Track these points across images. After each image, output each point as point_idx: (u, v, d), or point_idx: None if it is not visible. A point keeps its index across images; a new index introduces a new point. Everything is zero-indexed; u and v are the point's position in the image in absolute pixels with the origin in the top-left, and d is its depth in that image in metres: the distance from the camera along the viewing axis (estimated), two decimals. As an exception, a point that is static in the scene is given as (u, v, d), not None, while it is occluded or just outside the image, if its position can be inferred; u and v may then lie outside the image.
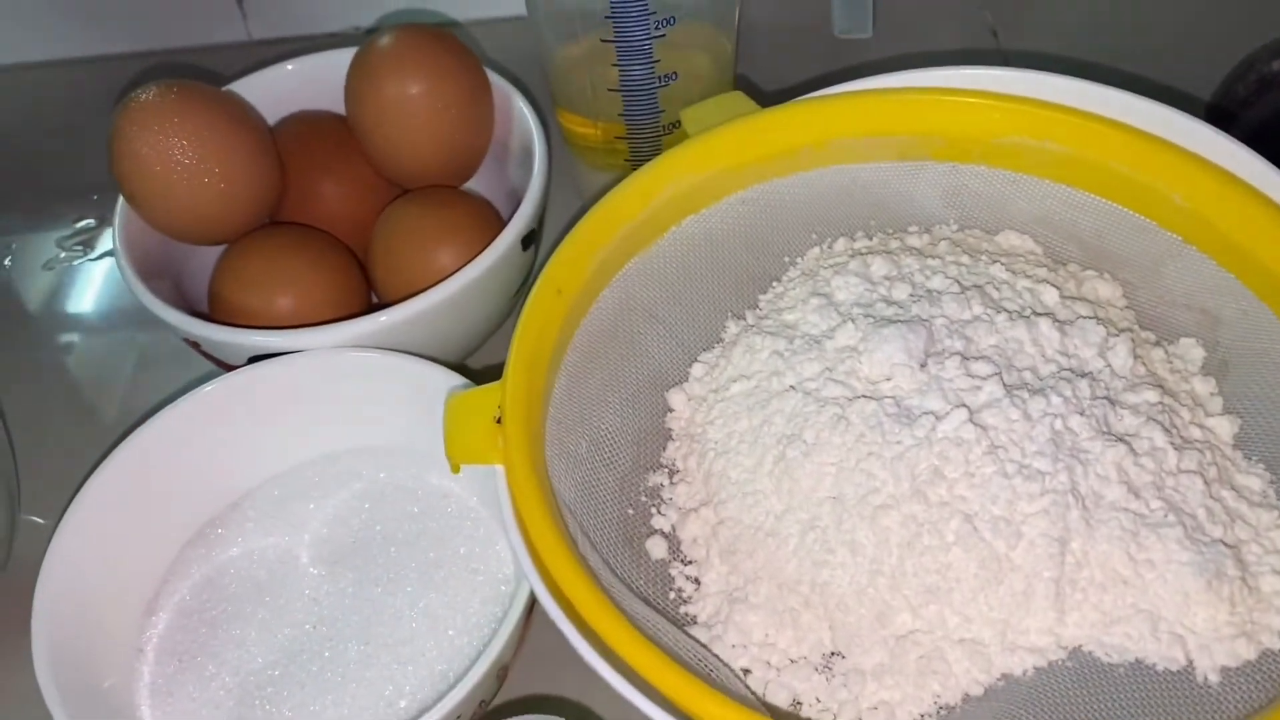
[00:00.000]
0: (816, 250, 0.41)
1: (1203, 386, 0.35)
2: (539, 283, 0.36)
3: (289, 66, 0.48)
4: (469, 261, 0.41)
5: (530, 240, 0.43)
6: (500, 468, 0.32)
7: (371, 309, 0.45)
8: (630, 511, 0.36)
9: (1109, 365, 0.34)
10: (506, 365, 0.34)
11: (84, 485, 0.37)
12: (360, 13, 0.63)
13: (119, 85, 0.60)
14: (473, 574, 0.38)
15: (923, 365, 0.34)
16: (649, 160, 0.40)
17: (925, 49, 0.54)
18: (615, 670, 0.27)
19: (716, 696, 0.26)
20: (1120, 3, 0.60)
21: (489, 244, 0.42)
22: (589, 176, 0.51)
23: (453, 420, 0.33)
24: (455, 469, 0.33)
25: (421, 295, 0.40)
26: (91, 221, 0.57)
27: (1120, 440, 0.32)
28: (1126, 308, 0.38)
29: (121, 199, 0.44)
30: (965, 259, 0.38)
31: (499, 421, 0.33)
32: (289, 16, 0.63)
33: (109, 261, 0.55)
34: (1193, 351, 0.36)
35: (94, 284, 0.54)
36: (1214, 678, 0.30)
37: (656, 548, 0.35)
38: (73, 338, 0.52)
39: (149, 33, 0.63)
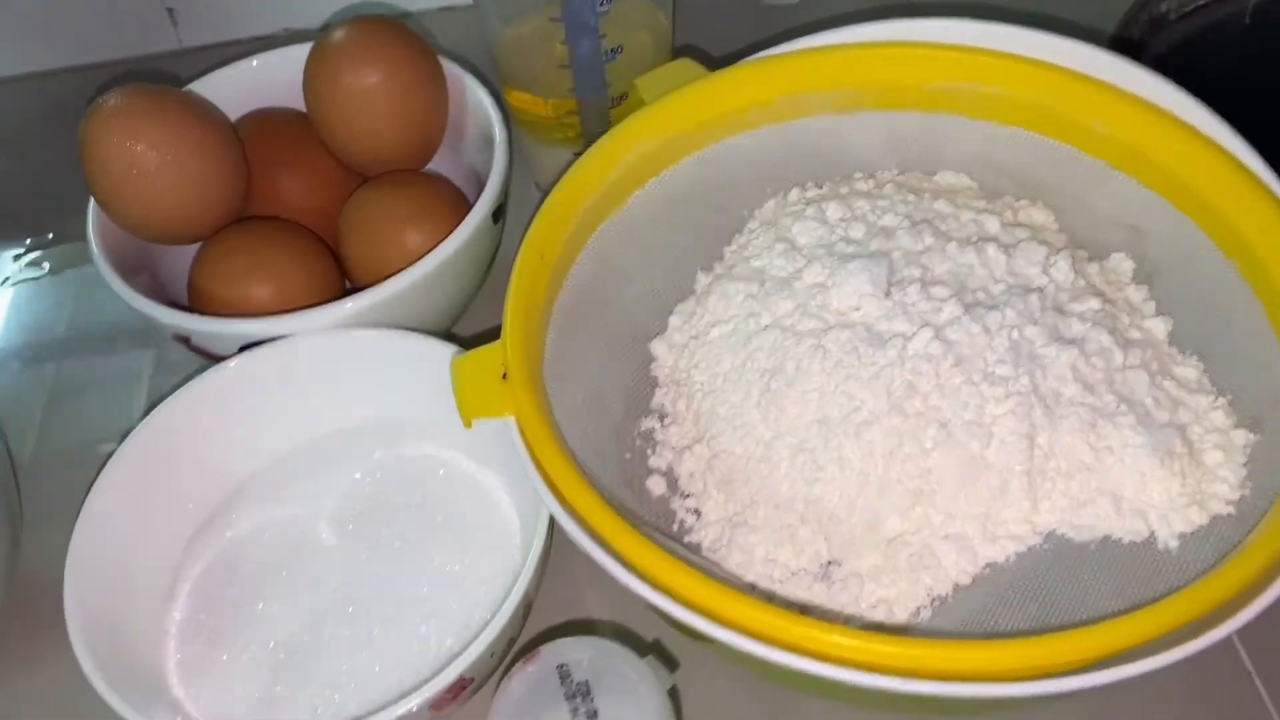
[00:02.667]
0: (772, 202, 0.43)
1: (1136, 294, 0.39)
2: (523, 248, 0.38)
3: (249, 64, 0.50)
4: (438, 241, 0.43)
5: (499, 214, 0.45)
6: (512, 419, 0.34)
7: (346, 294, 0.47)
8: (628, 456, 0.38)
9: (1053, 280, 0.38)
10: (504, 325, 0.36)
11: (95, 483, 0.38)
12: (289, 14, 0.64)
13: (55, 101, 0.60)
14: (478, 530, 0.40)
15: (887, 293, 0.37)
16: (600, 134, 0.42)
17: (848, 7, 0.57)
18: (645, 583, 0.29)
19: (740, 595, 0.29)
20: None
21: (456, 222, 0.44)
22: (539, 152, 0.53)
23: (461, 380, 0.35)
24: (468, 424, 0.35)
25: (406, 271, 0.41)
26: (49, 235, 0.57)
27: (1071, 344, 0.35)
28: (1060, 231, 0.42)
29: (93, 204, 0.45)
30: (911, 197, 0.41)
31: (505, 377, 0.35)
32: (219, 22, 0.64)
33: (70, 273, 0.55)
34: (1123, 264, 0.40)
35: (58, 298, 0.55)
36: (1173, 544, 0.33)
37: (656, 486, 0.38)
38: (47, 352, 0.52)
39: (83, 47, 0.63)
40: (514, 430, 0.34)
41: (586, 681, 0.28)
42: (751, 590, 0.35)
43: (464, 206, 0.45)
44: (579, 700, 0.28)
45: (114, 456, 0.39)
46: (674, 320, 0.41)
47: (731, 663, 0.35)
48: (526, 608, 0.35)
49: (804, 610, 0.34)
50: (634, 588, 0.29)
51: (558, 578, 0.38)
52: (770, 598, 0.34)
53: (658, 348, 0.41)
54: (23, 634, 0.42)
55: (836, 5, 0.58)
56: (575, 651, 0.28)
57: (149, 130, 0.42)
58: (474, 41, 0.49)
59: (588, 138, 0.50)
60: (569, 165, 0.40)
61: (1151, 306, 0.39)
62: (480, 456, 0.41)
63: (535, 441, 0.33)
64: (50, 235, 0.57)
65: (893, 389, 0.35)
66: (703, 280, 0.42)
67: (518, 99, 0.51)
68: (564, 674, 0.28)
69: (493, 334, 0.36)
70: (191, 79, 0.50)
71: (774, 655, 0.28)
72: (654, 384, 0.40)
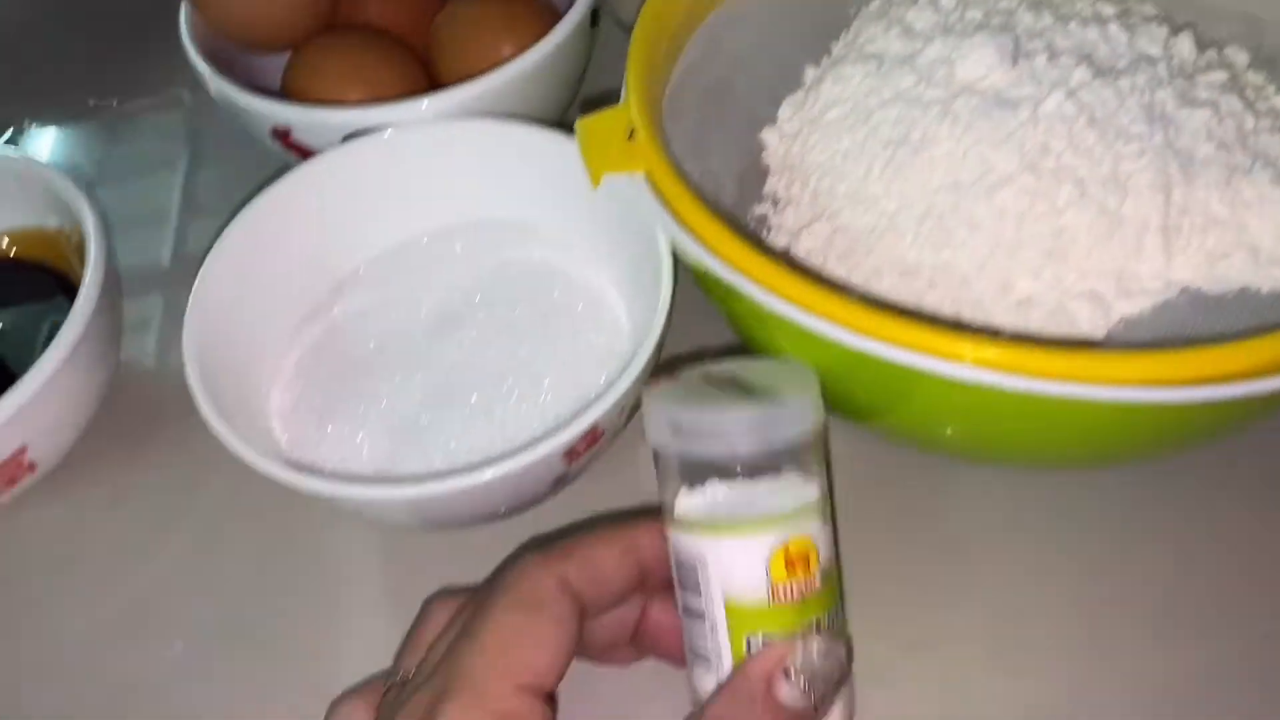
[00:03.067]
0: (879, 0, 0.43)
1: (1255, 77, 0.39)
2: (641, 16, 0.37)
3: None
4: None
5: (596, 17, 0.45)
6: (640, 174, 0.34)
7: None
8: (743, 238, 0.38)
9: (1176, 56, 0.37)
10: (627, 86, 0.35)
11: (203, 263, 0.38)
12: None
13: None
14: (588, 320, 0.39)
15: (1014, 63, 0.36)
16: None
17: None
18: (804, 311, 0.29)
19: (904, 311, 0.29)
20: None
21: (546, 35, 0.43)
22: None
23: (587, 138, 0.35)
24: (596, 182, 0.35)
25: (512, 63, 0.41)
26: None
27: (1204, 105, 0.35)
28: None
29: (185, 10, 0.44)
30: (1024, -13, 0.41)
31: (631, 136, 0.34)
32: None
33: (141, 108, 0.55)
34: (1238, 55, 0.40)
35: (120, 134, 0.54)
36: (1313, 291, 0.33)
37: (774, 264, 0.37)
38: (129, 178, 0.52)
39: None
40: (643, 186, 0.34)
41: (731, 370, 0.28)
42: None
43: (554, 20, 0.45)
44: (728, 385, 0.28)
45: (219, 240, 0.38)
46: (784, 111, 0.41)
47: (882, 422, 0.35)
48: (653, 368, 0.35)
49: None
50: (793, 316, 0.29)
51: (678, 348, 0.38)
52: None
53: (768, 137, 0.40)
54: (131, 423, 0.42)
55: None
56: (713, 365, 0.29)
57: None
58: None
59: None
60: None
61: (1272, 89, 0.38)
62: (586, 252, 0.41)
63: (669, 191, 0.33)
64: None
65: (1026, 149, 0.34)
66: (811, 73, 0.41)
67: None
68: (707, 376, 0.28)
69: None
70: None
71: (942, 367, 0.27)
72: (765, 172, 0.40)
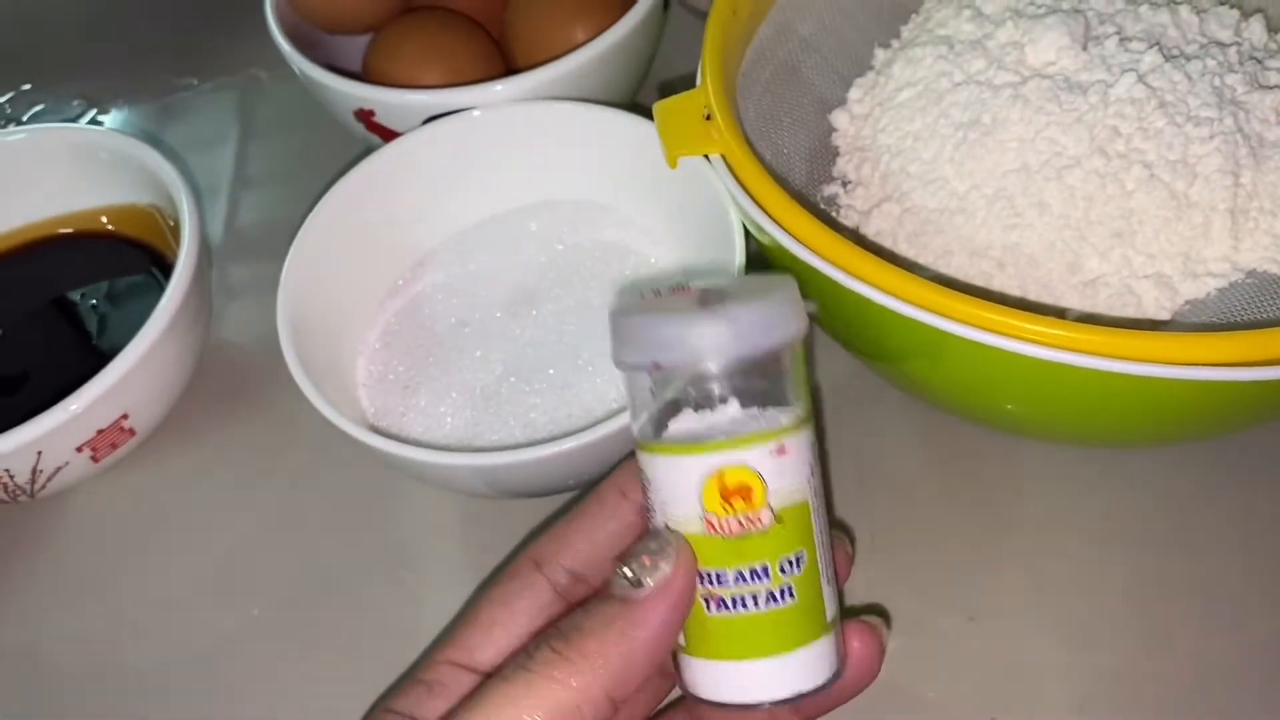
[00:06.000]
0: (948, -17, 0.43)
1: (1325, 62, 0.39)
2: (716, 5, 0.38)
3: None
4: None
5: (666, 2, 0.46)
6: (717, 156, 0.35)
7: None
8: (813, 218, 0.39)
9: (1248, 40, 0.38)
10: (703, 69, 0.36)
11: (295, 238, 0.39)
12: None
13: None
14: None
15: (1084, 47, 0.37)
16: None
17: None
18: (880, 291, 0.30)
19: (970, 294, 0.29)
20: None
21: (619, 19, 0.44)
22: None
23: (665, 120, 0.36)
24: (673, 164, 0.36)
25: (589, 45, 0.42)
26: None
27: (1274, 89, 0.35)
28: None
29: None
30: (1094, -28, 0.41)
31: (708, 118, 0.35)
32: None
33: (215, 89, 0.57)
34: (1310, 39, 0.40)
35: (200, 112, 0.56)
36: (1384, 274, 0.33)
37: (843, 244, 0.38)
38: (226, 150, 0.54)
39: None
40: (720, 167, 0.35)
41: (710, 285, 0.27)
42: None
43: (627, 4, 0.45)
44: (700, 299, 0.26)
45: (310, 215, 0.40)
46: (854, 93, 0.41)
47: (929, 389, 0.36)
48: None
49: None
50: (869, 295, 0.30)
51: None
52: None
53: (839, 119, 0.41)
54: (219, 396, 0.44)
55: None
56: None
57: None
58: None
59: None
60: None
61: (1343, 74, 0.39)
62: (658, 232, 0.42)
63: (745, 172, 0.34)
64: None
65: (1095, 133, 0.35)
66: (881, 55, 0.42)
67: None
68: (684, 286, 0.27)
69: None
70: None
71: (1016, 346, 0.28)
72: (835, 153, 0.41)
